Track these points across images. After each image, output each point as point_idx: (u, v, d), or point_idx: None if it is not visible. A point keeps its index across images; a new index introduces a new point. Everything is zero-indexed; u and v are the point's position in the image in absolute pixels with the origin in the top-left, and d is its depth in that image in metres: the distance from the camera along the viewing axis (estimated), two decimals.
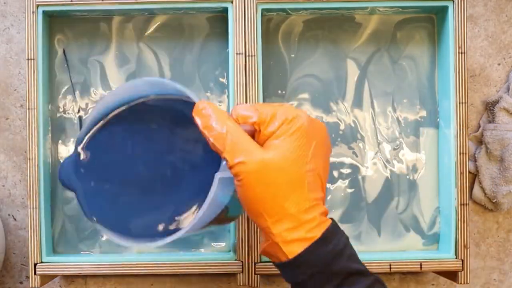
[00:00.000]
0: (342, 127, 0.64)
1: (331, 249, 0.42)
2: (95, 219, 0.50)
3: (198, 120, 0.43)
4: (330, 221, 0.43)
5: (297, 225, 0.42)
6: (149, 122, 0.50)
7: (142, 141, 0.50)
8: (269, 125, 0.43)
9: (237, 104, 0.59)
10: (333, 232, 0.43)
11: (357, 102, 0.64)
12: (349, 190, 0.63)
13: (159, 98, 0.50)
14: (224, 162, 0.43)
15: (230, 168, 0.42)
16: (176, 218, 0.49)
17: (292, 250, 0.42)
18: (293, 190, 0.42)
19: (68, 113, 0.63)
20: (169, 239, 0.45)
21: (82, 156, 0.50)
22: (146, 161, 0.50)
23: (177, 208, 0.49)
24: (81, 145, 0.50)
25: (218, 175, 0.43)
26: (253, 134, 0.44)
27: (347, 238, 0.44)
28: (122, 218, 0.50)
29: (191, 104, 0.44)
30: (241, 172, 0.42)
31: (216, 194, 0.43)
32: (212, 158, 0.45)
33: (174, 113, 0.50)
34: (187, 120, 0.46)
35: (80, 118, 0.63)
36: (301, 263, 0.42)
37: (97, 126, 0.50)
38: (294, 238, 0.42)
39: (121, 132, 0.50)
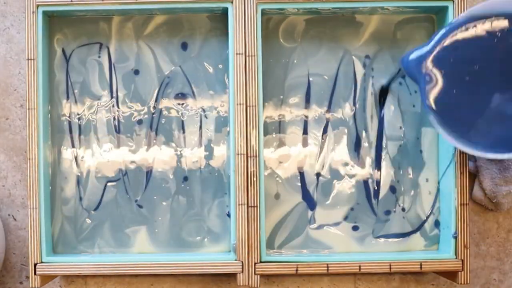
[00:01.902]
0: (346, 125, 0.64)
1: None
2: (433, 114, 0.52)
3: None
4: None
5: None
6: None
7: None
8: None
9: (238, 104, 0.59)
10: None
11: (361, 101, 0.64)
12: (354, 189, 0.63)
13: None
14: None
15: None
16: None
17: None
18: None
19: (67, 113, 0.63)
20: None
21: (435, 52, 0.52)
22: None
23: None
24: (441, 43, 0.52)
25: None
26: None
27: None
28: (463, 118, 0.52)
29: None
30: None
31: None
32: None
33: None
34: None
35: (79, 120, 0.64)
36: None
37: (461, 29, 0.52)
38: None
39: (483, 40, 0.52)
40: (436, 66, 0.53)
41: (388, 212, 0.63)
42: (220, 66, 0.63)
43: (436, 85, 0.53)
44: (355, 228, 0.63)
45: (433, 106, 0.53)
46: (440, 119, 0.53)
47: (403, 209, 0.63)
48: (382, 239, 0.63)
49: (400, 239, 0.63)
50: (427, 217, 0.63)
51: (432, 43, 0.53)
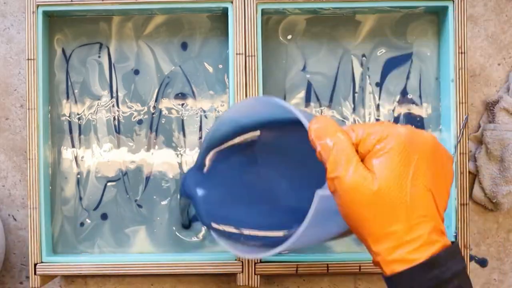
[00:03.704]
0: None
1: (435, 276, 0.39)
2: (212, 225, 0.53)
3: (310, 131, 0.42)
4: (443, 243, 0.40)
5: (398, 245, 0.39)
6: (265, 148, 0.54)
7: (261, 162, 0.54)
8: (365, 143, 0.41)
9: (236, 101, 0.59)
10: (444, 257, 0.39)
11: (360, 100, 0.64)
12: None
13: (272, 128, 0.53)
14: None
15: (328, 181, 0.40)
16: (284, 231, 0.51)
17: (392, 269, 0.39)
18: (392, 209, 0.39)
19: (67, 113, 0.63)
20: (272, 251, 0.45)
21: (204, 169, 0.54)
22: (263, 179, 0.54)
23: (284, 223, 0.51)
24: (205, 159, 0.54)
25: (319, 192, 0.41)
26: None
27: (463, 267, 0.40)
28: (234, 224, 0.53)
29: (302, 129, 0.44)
30: (336, 188, 0.40)
31: (317, 211, 0.42)
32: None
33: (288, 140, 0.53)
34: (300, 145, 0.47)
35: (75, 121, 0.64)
36: (399, 283, 0.39)
37: (216, 149, 0.54)
38: (394, 259, 0.39)
39: (239, 155, 0.54)
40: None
41: None
42: (220, 66, 0.63)
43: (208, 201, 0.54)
44: None
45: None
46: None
47: None
48: None
49: None
50: None
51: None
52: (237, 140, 0.54)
